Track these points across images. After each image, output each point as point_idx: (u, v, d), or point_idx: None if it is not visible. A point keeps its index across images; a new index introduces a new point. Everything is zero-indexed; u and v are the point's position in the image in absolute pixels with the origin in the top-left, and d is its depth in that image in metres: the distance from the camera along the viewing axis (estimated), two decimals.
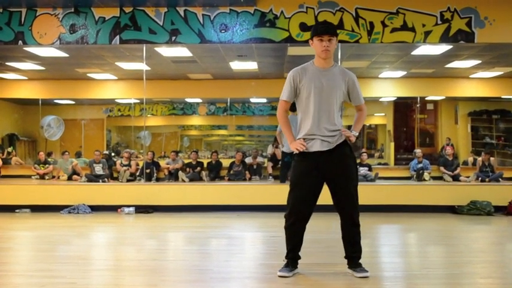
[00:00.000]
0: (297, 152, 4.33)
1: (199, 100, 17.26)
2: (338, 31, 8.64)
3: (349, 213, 4.33)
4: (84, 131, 17.56)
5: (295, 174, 4.41)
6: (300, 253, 4.43)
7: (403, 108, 17.39)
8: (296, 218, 4.34)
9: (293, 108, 4.56)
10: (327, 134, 4.29)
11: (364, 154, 12.40)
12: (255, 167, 11.97)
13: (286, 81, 4.46)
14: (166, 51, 10.43)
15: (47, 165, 13.01)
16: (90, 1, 8.70)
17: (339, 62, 10.30)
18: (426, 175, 11.69)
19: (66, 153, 13.13)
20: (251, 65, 12.18)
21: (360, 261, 4.39)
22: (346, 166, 4.33)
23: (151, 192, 9.91)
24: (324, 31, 4.30)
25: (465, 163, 13.88)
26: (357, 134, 4.43)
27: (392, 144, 16.56)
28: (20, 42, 9.00)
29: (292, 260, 4.42)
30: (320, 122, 4.31)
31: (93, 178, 10.98)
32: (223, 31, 8.87)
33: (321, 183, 4.34)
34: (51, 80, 14.37)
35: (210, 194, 9.98)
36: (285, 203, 4.29)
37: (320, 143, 4.28)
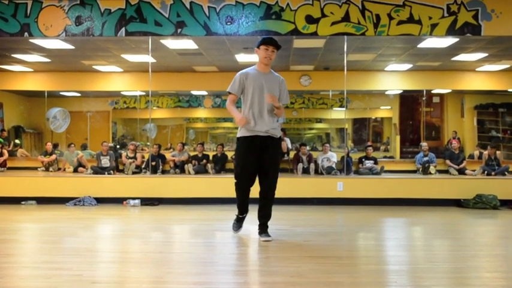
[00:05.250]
0: None
1: (204, 93, 17.22)
2: (344, 24, 8.71)
3: None
4: (90, 123, 17.60)
5: None
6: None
7: (409, 101, 17.32)
8: None
9: None
10: None
11: (370, 147, 12.38)
12: None
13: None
14: (172, 43, 10.42)
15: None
16: None
17: (345, 54, 10.27)
18: (432, 168, 11.67)
19: (72, 145, 13.19)
20: (257, 58, 12.07)
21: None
22: None
23: (157, 185, 9.92)
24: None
25: (471, 157, 13.86)
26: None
27: (398, 138, 16.53)
28: (26, 34, 9.01)
29: None
30: None
31: (99, 170, 11.01)
32: (229, 23, 8.85)
33: None
34: (57, 72, 14.39)
35: (215, 186, 9.97)
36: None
37: None
